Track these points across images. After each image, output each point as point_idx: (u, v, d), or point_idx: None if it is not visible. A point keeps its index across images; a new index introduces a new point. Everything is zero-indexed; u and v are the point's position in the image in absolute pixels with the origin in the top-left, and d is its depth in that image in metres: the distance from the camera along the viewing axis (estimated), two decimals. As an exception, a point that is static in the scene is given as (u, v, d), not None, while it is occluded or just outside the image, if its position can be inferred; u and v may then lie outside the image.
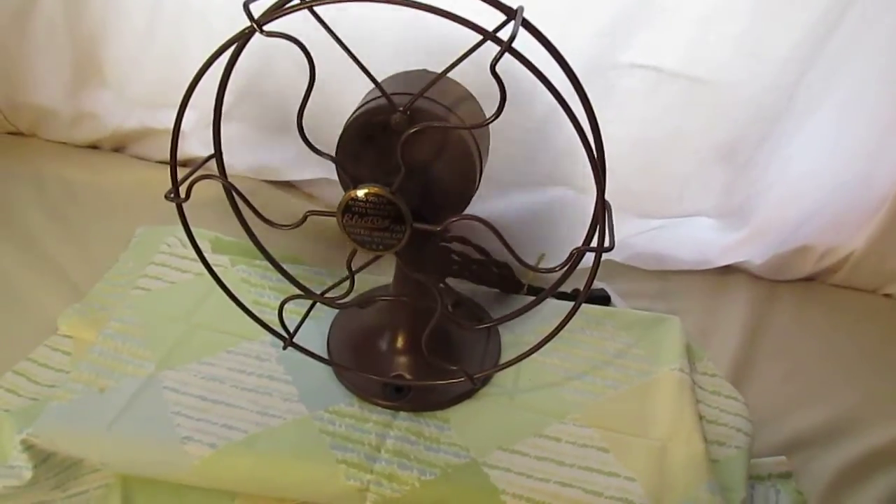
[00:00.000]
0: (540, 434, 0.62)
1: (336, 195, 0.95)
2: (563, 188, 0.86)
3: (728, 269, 0.92)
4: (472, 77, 0.53)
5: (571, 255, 0.49)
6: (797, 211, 0.83)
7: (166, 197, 0.52)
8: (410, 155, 0.47)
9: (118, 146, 1.04)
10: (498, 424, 0.63)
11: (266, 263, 0.73)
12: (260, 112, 0.92)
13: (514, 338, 0.70)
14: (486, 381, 0.65)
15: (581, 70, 0.44)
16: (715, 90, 0.72)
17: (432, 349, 0.57)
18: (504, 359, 0.67)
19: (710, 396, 0.69)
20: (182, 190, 0.52)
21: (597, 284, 0.80)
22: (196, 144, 0.93)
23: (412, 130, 0.45)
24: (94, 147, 1.04)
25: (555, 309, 0.72)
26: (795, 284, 0.93)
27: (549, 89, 0.41)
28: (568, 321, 0.54)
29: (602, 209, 0.46)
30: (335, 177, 0.93)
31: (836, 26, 0.69)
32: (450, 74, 0.45)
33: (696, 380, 0.69)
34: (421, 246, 0.51)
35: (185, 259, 0.77)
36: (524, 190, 0.87)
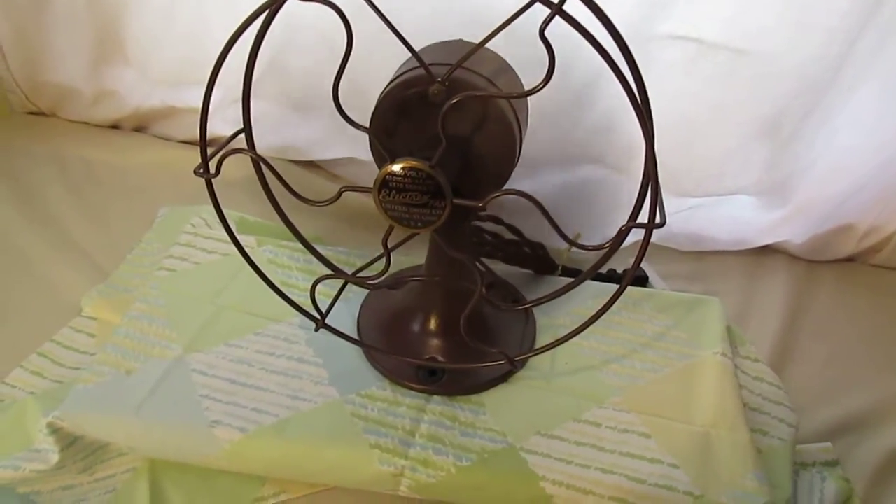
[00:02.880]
0: (579, 419, 0.60)
1: (362, 175, 0.95)
2: (597, 166, 0.84)
3: (766, 250, 0.90)
4: (504, 50, 0.51)
5: (620, 231, 0.47)
6: (840, 188, 0.80)
7: (196, 172, 0.50)
8: (450, 127, 0.45)
9: (139, 126, 1.03)
10: (535, 409, 0.61)
11: (293, 244, 0.72)
12: (284, 89, 0.90)
13: (549, 320, 0.68)
14: (521, 364, 0.63)
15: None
16: (758, 61, 0.70)
17: (469, 332, 0.55)
18: (539, 341, 0.66)
19: (752, 382, 0.67)
20: (212, 165, 0.50)
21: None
22: (220, 123, 0.91)
23: (454, 100, 0.43)
24: (114, 127, 1.04)
25: (590, 290, 0.70)
26: (836, 265, 0.90)
27: (602, 56, 0.39)
28: (613, 303, 0.52)
29: (654, 183, 0.43)
30: (361, 156, 0.92)
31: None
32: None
33: (739, 364, 0.67)
34: (458, 224, 0.49)
35: (210, 239, 0.76)
36: (556, 168, 0.84)
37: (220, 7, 0.84)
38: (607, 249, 0.49)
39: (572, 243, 0.47)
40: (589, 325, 0.55)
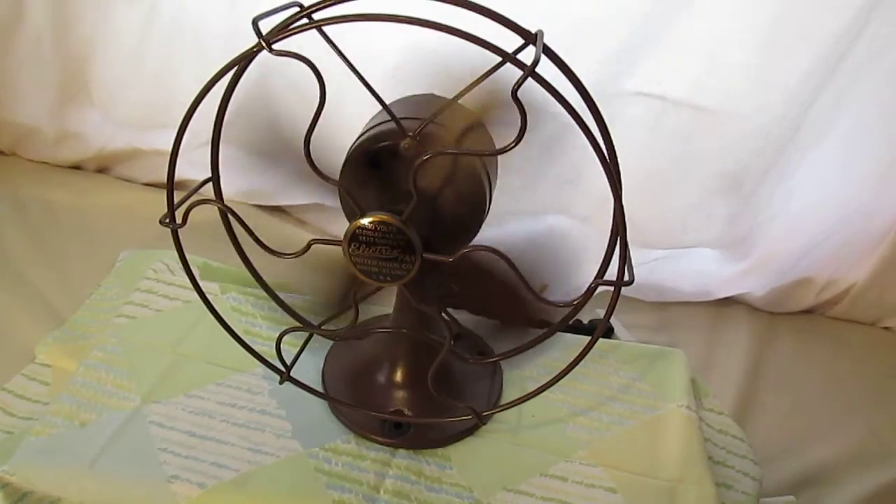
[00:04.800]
0: (545, 473, 0.59)
1: (328, 221, 0.94)
2: (563, 217, 0.84)
3: (727, 301, 0.91)
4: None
5: (589, 289, 0.47)
6: (799, 243, 0.82)
7: (161, 222, 0.49)
8: (420, 182, 0.45)
9: (102, 167, 1.01)
10: (501, 463, 0.60)
11: (257, 291, 0.70)
12: (251, 135, 0.90)
13: (516, 372, 0.68)
14: (488, 418, 0.62)
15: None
16: (721, 120, 0.71)
17: (436, 386, 0.54)
18: (506, 394, 0.65)
19: (717, 435, 0.68)
20: (178, 215, 0.49)
21: (601, 315, 0.78)
22: (186, 166, 0.89)
23: (427, 157, 0.43)
24: (76, 168, 1.02)
25: (557, 341, 0.70)
26: (795, 317, 0.92)
27: (573, 117, 0.39)
28: (582, 358, 0.52)
29: (623, 241, 0.44)
30: (328, 203, 0.91)
31: (843, 58, 0.68)
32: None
33: (703, 416, 0.67)
34: (427, 277, 0.49)
35: (172, 286, 0.74)
36: (522, 219, 0.85)
37: (188, 50, 0.84)
38: (574, 306, 0.49)
39: (540, 299, 0.48)
40: (558, 380, 0.54)
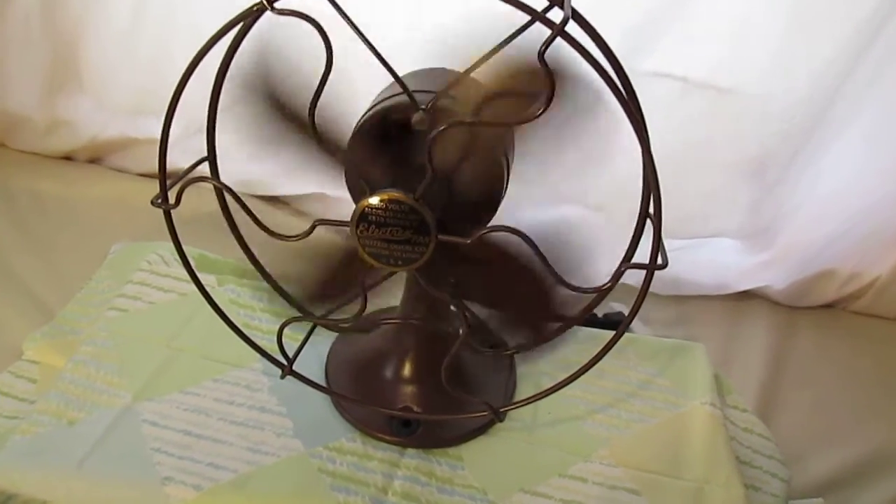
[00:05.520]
0: (564, 474, 0.56)
1: (330, 213, 0.91)
2: (574, 206, 0.81)
3: (746, 295, 0.89)
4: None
5: (618, 272, 0.43)
6: (823, 232, 0.79)
7: (153, 203, 0.46)
8: (434, 158, 0.42)
9: (94, 157, 0.99)
10: (517, 463, 0.57)
11: (256, 283, 0.68)
12: (250, 119, 0.87)
13: (530, 367, 0.64)
14: (505, 415, 0.59)
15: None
16: (745, 102, 0.69)
17: (449, 380, 0.51)
18: (521, 390, 0.62)
19: (742, 434, 0.64)
20: (171, 195, 0.46)
21: (616, 308, 0.74)
22: (181, 155, 0.87)
23: (442, 128, 0.40)
24: (68, 158, 0.99)
25: (570, 335, 0.67)
26: (816, 311, 0.89)
27: (603, 77, 0.36)
28: (606, 352, 0.48)
29: (657, 220, 0.40)
30: (329, 192, 0.88)
31: (871, 41, 0.66)
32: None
33: (727, 414, 0.64)
34: (441, 262, 0.45)
35: (167, 277, 0.71)
36: (532, 207, 0.81)
37: (183, 33, 0.80)
38: (602, 291, 0.46)
39: (566, 284, 0.44)
40: (580, 375, 0.51)
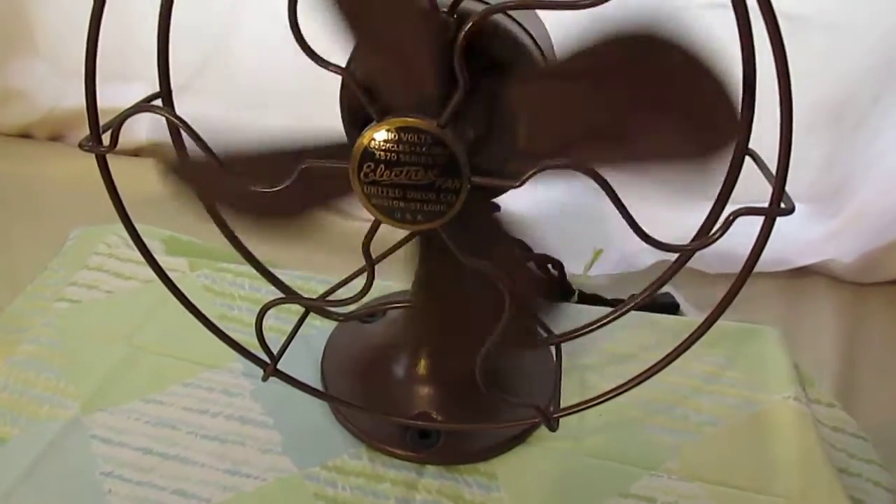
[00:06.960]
0: (626, 493, 0.46)
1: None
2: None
3: (804, 272, 0.78)
4: None
5: (728, 220, 0.33)
6: (898, 196, 0.68)
7: (81, 146, 0.35)
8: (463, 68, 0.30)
9: (55, 134, 0.90)
10: (565, 480, 0.47)
11: (235, 267, 0.59)
12: (226, 85, 0.77)
13: (572, 360, 0.54)
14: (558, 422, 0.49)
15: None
16: (823, 34, 0.58)
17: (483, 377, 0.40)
18: (565, 386, 0.50)
19: (832, 434, 0.54)
20: (105, 138, 0.35)
21: (663, 289, 0.64)
22: (146, 130, 0.78)
23: (474, 20, 0.28)
24: (24, 136, 0.91)
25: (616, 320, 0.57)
26: (886, 287, 0.78)
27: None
28: (699, 337, 0.38)
29: (787, 145, 0.29)
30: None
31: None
32: None
33: (812, 411, 0.53)
34: (475, 218, 0.34)
35: (128, 262, 0.62)
36: (558, 182, 0.71)
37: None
38: (711, 240, 0.35)
39: (658, 244, 0.33)
40: (661, 369, 0.40)
